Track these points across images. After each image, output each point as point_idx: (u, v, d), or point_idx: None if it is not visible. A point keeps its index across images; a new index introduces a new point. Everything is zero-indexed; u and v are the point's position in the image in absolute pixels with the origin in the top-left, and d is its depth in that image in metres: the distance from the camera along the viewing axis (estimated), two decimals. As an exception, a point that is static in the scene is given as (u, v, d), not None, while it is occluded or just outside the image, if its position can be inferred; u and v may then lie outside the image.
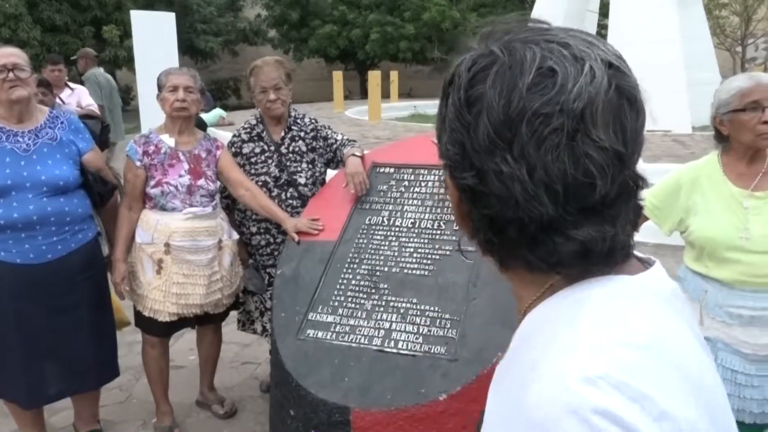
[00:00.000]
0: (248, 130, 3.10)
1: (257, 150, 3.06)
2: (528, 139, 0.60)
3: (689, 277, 2.21)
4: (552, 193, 0.60)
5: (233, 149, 3.07)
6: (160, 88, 2.83)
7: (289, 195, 3.03)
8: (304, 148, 3.07)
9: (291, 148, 3.06)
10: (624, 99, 0.63)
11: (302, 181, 3.04)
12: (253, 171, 3.04)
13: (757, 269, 2.01)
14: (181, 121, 2.84)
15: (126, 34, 16.15)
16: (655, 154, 7.77)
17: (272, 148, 3.05)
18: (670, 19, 10.47)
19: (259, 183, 3.01)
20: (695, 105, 10.33)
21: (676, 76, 10.17)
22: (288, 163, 3.04)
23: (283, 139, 3.06)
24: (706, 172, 2.17)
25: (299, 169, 3.04)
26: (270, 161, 3.04)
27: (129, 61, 12.82)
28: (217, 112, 11.66)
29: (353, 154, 2.87)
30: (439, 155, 0.69)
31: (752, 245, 2.02)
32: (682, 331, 0.65)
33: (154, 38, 10.35)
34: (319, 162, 3.10)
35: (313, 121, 3.16)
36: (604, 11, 14.52)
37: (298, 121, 3.10)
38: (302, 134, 3.08)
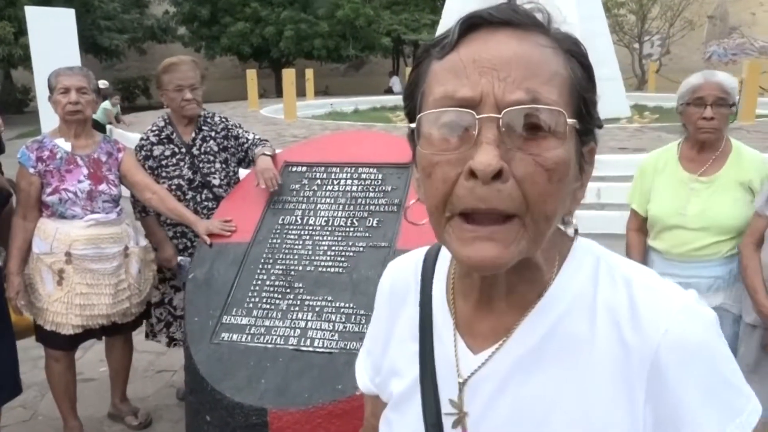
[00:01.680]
0: (157, 132, 3.01)
1: (168, 153, 2.97)
2: None
3: (649, 250, 2.54)
4: None
5: (143, 152, 2.96)
6: (51, 90, 2.70)
7: (204, 197, 2.97)
8: (215, 149, 3.01)
9: (203, 149, 2.99)
10: None
11: (216, 182, 2.98)
12: (165, 174, 2.95)
13: (688, 243, 2.34)
14: (76, 125, 2.71)
15: (21, 31, 15.22)
16: (561, 147, 8.14)
17: (183, 150, 2.97)
18: (570, 17, 10.97)
19: (173, 186, 2.93)
20: (598, 99, 10.92)
21: (579, 72, 10.69)
22: (201, 165, 2.97)
23: (194, 140, 2.99)
24: (665, 157, 2.50)
25: (212, 170, 2.99)
26: (182, 163, 2.96)
27: (26, 60, 12.10)
28: (103, 106, 11.14)
29: (264, 153, 2.84)
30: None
31: (687, 222, 2.34)
32: None
33: (52, 36, 9.85)
34: (231, 161, 3.05)
35: (223, 120, 3.10)
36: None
37: (208, 120, 3.04)
38: (213, 134, 3.02)
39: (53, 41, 9.82)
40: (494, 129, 0.60)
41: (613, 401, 0.66)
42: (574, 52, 0.67)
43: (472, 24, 0.66)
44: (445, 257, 0.84)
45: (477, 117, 0.61)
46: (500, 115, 0.60)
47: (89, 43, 19.82)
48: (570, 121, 0.63)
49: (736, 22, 23.46)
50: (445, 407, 0.75)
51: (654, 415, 0.65)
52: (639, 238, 2.55)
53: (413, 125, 0.68)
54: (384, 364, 0.87)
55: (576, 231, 0.74)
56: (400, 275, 0.89)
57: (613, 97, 11.95)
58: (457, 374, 0.75)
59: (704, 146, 2.36)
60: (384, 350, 0.87)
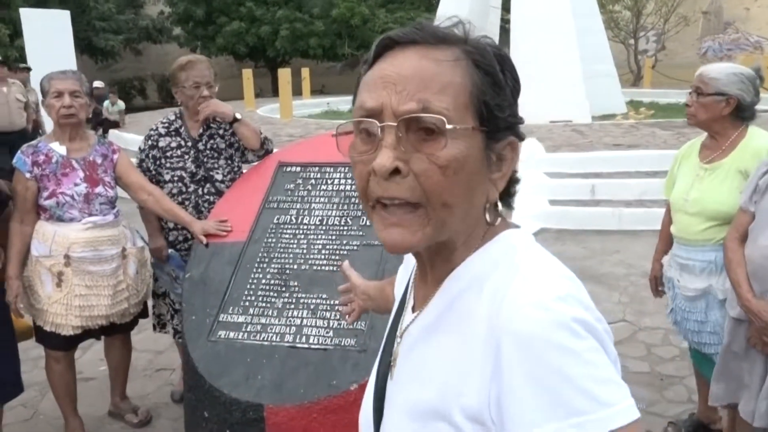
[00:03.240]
0: (166, 124, 3.09)
1: (173, 144, 3.04)
2: None
3: None
4: None
5: (150, 141, 3.04)
6: (44, 94, 2.73)
7: (206, 191, 3.02)
8: (222, 145, 3.07)
9: (209, 145, 3.05)
10: None
11: (219, 177, 3.04)
12: (168, 165, 3.02)
13: (688, 227, 2.49)
14: (70, 128, 2.75)
15: (16, 33, 15.20)
16: (556, 144, 8.18)
17: (189, 143, 3.04)
18: (565, 14, 11.01)
19: (175, 177, 3.00)
20: (593, 96, 10.94)
21: (574, 69, 10.70)
22: (205, 160, 3.03)
23: (201, 135, 3.05)
24: (694, 145, 2.60)
25: (216, 165, 3.05)
26: (186, 156, 3.02)
27: (21, 62, 12.08)
28: (107, 105, 11.37)
29: (246, 121, 3.04)
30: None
31: (687, 206, 2.47)
32: None
33: (47, 37, 9.88)
34: (236, 157, 3.11)
35: None
36: (506, 6, 15.05)
37: (217, 118, 3.09)
38: (221, 132, 3.08)
39: (48, 43, 9.86)
40: (393, 134, 0.73)
41: (469, 372, 0.74)
42: (479, 62, 0.77)
43: (385, 45, 0.78)
44: None
45: (379, 125, 0.74)
46: (395, 123, 0.73)
47: (85, 44, 19.80)
48: (449, 126, 0.73)
49: (731, 17, 23.49)
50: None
51: (495, 393, 0.71)
52: (670, 224, 2.70)
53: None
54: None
55: (497, 219, 0.84)
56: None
57: (608, 94, 11.98)
58: (400, 329, 0.92)
59: (716, 135, 2.47)
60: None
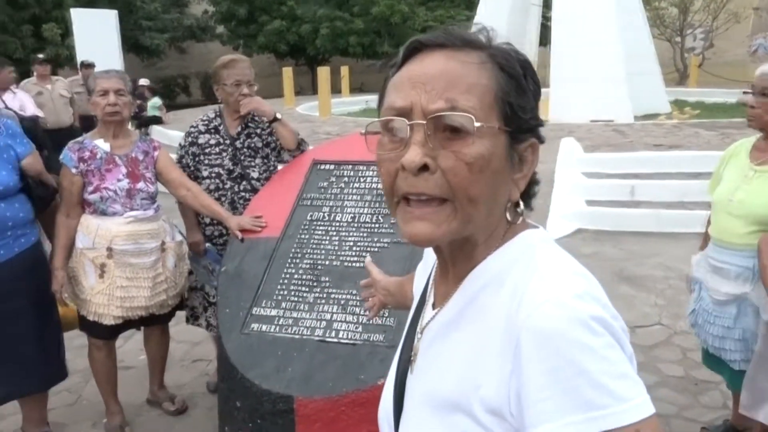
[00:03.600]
0: (206, 122, 3.18)
1: (212, 141, 3.13)
2: None
3: None
4: None
5: (190, 138, 3.13)
6: (89, 92, 2.84)
7: (242, 188, 3.10)
8: (259, 144, 3.14)
9: (246, 144, 3.13)
10: None
11: (255, 175, 3.12)
12: (207, 161, 3.11)
13: (728, 228, 2.41)
14: (114, 125, 2.85)
15: (67, 32, 15.71)
16: (595, 144, 8.06)
17: (227, 141, 3.12)
18: (608, 10, 10.81)
19: (213, 174, 3.08)
20: (636, 95, 10.71)
21: (616, 67, 10.51)
22: (242, 158, 3.11)
23: (239, 134, 3.13)
24: (743, 146, 2.53)
25: (252, 164, 3.12)
26: (224, 154, 3.11)
27: (71, 60, 12.49)
28: (152, 104, 11.61)
29: (285, 121, 3.09)
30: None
31: (732, 208, 2.39)
32: None
33: (96, 36, 10.17)
34: (272, 156, 3.18)
35: None
36: (547, 3, 14.86)
37: (255, 118, 3.17)
38: (258, 131, 3.16)
39: (97, 41, 10.14)
40: (422, 132, 0.76)
41: (490, 367, 0.77)
42: (503, 66, 0.80)
43: (414, 48, 0.82)
44: None
45: (408, 123, 0.77)
46: (424, 121, 0.76)
47: (131, 43, 20.30)
48: (477, 124, 0.75)
49: (784, 13, 22.67)
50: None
51: (516, 388, 0.73)
52: None
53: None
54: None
55: (518, 218, 0.86)
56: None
57: (651, 93, 11.70)
58: (420, 326, 0.94)
59: None
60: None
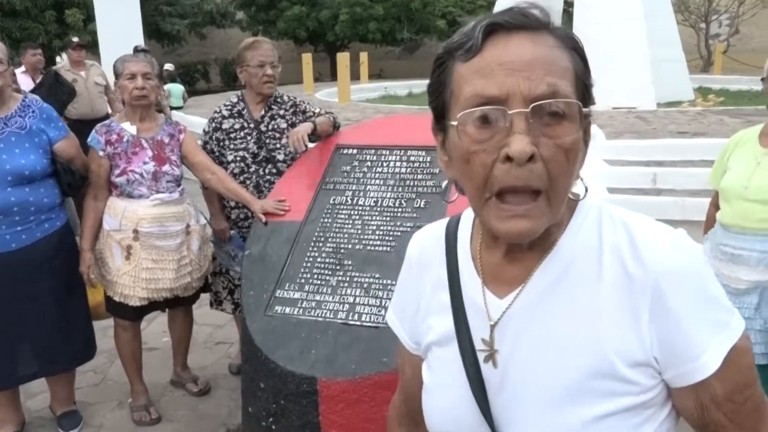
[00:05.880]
0: (230, 107, 3.19)
1: (237, 126, 3.14)
2: None
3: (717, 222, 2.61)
4: None
5: (214, 124, 3.15)
6: (117, 75, 2.86)
7: (267, 171, 3.11)
8: (284, 125, 3.14)
9: (270, 126, 3.14)
10: None
11: (281, 157, 3.12)
12: (232, 146, 3.12)
13: (747, 214, 2.40)
14: (141, 109, 2.87)
15: (89, 17, 15.82)
16: (617, 131, 7.97)
17: (252, 125, 3.13)
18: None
19: (238, 158, 3.09)
20: (659, 82, 10.55)
21: (640, 54, 10.36)
22: (267, 141, 3.12)
23: (263, 117, 3.14)
24: (750, 133, 2.52)
25: (278, 146, 3.13)
26: (249, 137, 3.11)
27: (93, 46, 12.58)
28: (174, 90, 11.68)
29: (316, 119, 2.94)
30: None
31: (748, 194, 2.37)
32: None
33: (118, 22, 10.22)
34: None
35: (291, 98, 3.25)
36: (570, -11, 14.64)
37: (278, 100, 3.18)
38: (282, 112, 3.16)
39: (119, 27, 10.18)
40: (524, 120, 0.73)
41: (621, 325, 0.79)
42: (575, 48, 0.80)
43: (491, 30, 0.77)
44: (466, 224, 0.96)
45: (509, 112, 0.73)
46: (527, 109, 0.73)
47: (152, 29, 20.38)
48: (585, 109, 0.76)
49: (813, -2, 22.13)
50: (478, 346, 0.88)
51: (657, 333, 0.78)
52: (715, 213, 2.61)
53: (447, 121, 0.81)
54: (417, 321, 0.99)
55: (586, 189, 0.85)
56: (427, 242, 1.01)
57: (674, 79, 11.51)
58: (488, 318, 0.87)
59: None
60: (416, 311, 0.99)
